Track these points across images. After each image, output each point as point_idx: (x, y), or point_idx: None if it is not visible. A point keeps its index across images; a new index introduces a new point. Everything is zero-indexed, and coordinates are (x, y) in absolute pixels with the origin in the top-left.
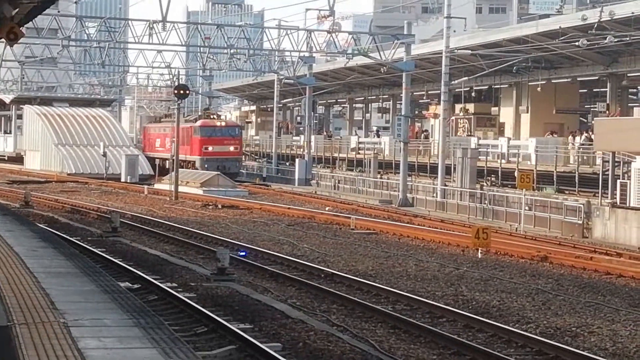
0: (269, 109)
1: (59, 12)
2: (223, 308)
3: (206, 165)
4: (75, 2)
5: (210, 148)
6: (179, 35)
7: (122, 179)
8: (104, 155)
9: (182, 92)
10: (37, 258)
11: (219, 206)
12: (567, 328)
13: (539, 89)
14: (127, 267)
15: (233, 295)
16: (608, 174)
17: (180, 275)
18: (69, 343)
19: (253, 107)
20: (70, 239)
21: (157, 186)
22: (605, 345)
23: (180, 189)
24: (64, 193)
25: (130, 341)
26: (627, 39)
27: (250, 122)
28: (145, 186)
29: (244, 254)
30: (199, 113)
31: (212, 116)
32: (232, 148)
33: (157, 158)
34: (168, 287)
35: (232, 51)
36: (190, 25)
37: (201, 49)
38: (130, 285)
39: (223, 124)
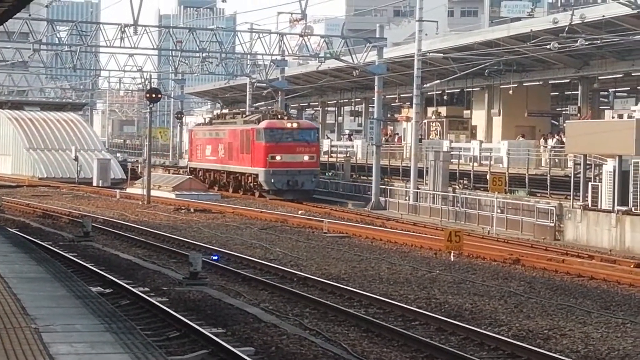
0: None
1: (30, 15)
2: (195, 312)
3: (272, 180)
4: (47, 6)
5: (278, 157)
6: (150, 39)
7: (94, 183)
8: (76, 159)
9: (154, 95)
10: (8, 263)
11: (192, 210)
12: (539, 331)
13: (510, 92)
14: (99, 271)
15: (205, 300)
16: (579, 177)
17: (152, 280)
18: (40, 349)
19: (226, 111)
20: (42, 243)
21: (129, 190)
22: (577, 347)
23: (153, 193)
24: (36, 197)
25: (102, 346)
26: (598, 42)
27: None
28: (118, 190)
29: (216, 258)
30: (262, 110)
31: (280, 115)
32: (306, 157)
33: (207, 170)
34: (140, 291)
35: (204, 55)
36: (162, 29)
37: (173, 52)
38: (102, 290)
39: (295, 125)
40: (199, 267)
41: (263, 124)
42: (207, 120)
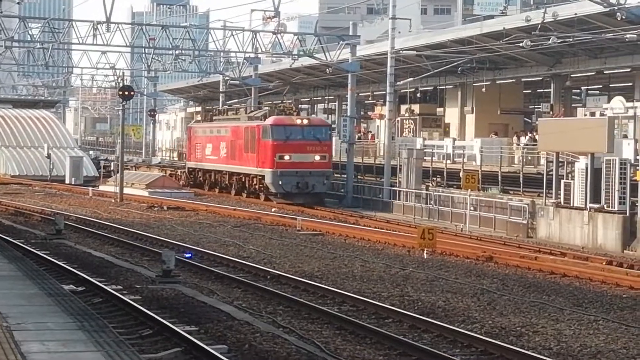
0: (214, 110)
1: (1, 12)
2: (168, 310)
3: (280, 182)
4: (18, 3)
5: (286, 157)
6: (123, 36)
7: (67, 181)
8: (48, 157)
9: (126, 93)
10: None
11: (165, 208)
12: (512, 328)
13: (483, 89)
14: (72, 269)
15: (178, 297)
16: (552, 174)
17: (125, 278)
18: (12, 347)
19: (199, 108)
20: (14, 241)
21: (101, 188)
22: (549, 344)
23: (126, 190)
24: (7, 195)
25: (74, 344)
26: (570, 39)
27: None
28: (90, 188)
29: (189, 255)
30: (267, 106)
31: (288, 110)
32: (317, 157)
33: (208, 171)
34: (113, 289)
35: (177, 52)
36: (135, 26)
37: (146, 49)
38: (75, 288)
39: (305, 121)
40: (172, 265)
41: (270, 120)
42: (206, 117)
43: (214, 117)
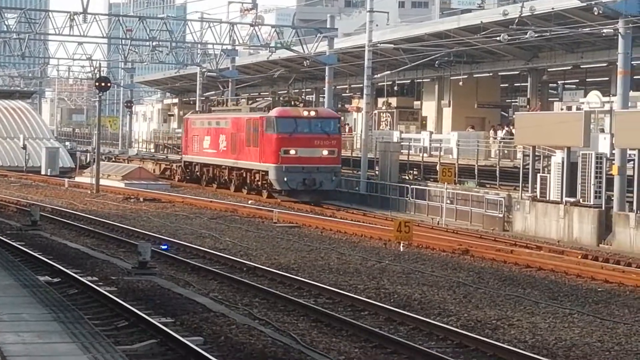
0: (191, 102)
1: None
2: (144, 302)
3: (285, 179)
4: None
5: (292, 152)
6: (100, 27)
7: (43, 172)
8: (24, 147)
9: (103, 84)
10: None
11: (141, 199)
12: (487, 321)
13: (460, 83)
14: (47, 260)
15: (154, 289)
16: (528, 168)
17: (101, 269)
18: None
19: (175, 100)
20: None
21: (77, 179)
22: (525, 337)
23: (102, 182)
24: None
25: (49, 336)
26: (547, 34)
27: (172, 115)
28: (66, 179)
29: (165, 247)
30: (272, 96)
31: (294, 101)
32: (325, 152)
33: (205, 165)
34: (88, 281)
35: (154, 44)
36: (112, 17)
37: (123, 41)
38: (50, 279)
39: (313, 113)
40: (148, 257)
41: (274, 111)
42: (204, 108)
43: (213, 108)
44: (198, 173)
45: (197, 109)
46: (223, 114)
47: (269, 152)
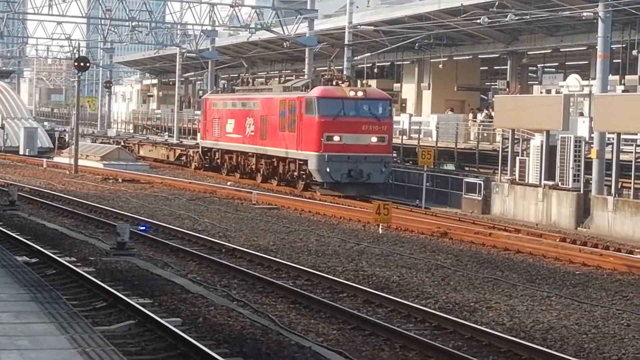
0: (170, 83)
1: None
2: (122, 283)
3: (328, 170)
4: None
5: (336, 138)
6: (79, 7)
7: (21, 152)
8: (2, 127)
9: (82, 64)
10: None
11: (120, 180)
12: (465, 303)
13: (440, 65)
14: (25, 241)
15: (133, 270)
16: (507, 151)
17: (79, 250)
18: None
19: (155, 81)
20: None
21: (56, 159)
22: (502, 320)
23: (80, 162)
24: None
25: (27, 316)
26: (527, 17)
27: (152, 96)
28: (44, 159)
29: (144, 228)
30: (311, 74)
31: (337, 80)
32: (374, 139)
33: (228, 152)
34: (67, 261)
35: (133, 24)
36: None
37: (102, 21)
38: (28, 259)
39: (360, 94)
40: (127, 238)
41: (315, 91)
42: (225, 88)
43: (237, 88)
44: (219, 160)
45: (216, 88)
46: (250, 94)
47: (309, 138)
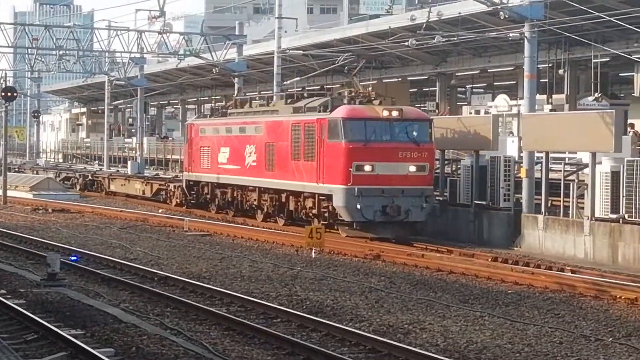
0: (100, 111)
1: None
2: (54, 314)
3: (359, 206)
4: None
5: (367, 168)
6: (5, 37)
7: None
8: None
9: (9, 94)
10: None
11: (50, 210)
12: (399, 325)
13: (370, 88)
14: None
15: (64, 301)
16: (438, 172)
17: (9, 282)
18: None
19: (84, 109)
20: None
21: None
22: (436, 341)
23: (10, 193)
24: None
25: None
26: (455, 39)
27: (81, 125)
28: None
29: (75, 258)
30: (329, 89)
31: (366, 97)
32: (413, 168)
33: (221, 186)
34: None
35: (60, 52)
36: (17, 26)
37: (29, 50)
38: None
39: (395, 113)
40: (57, 268)
41: (341, 111)
42: (214, 111)
43: (230, 111)
44: (208, 196)
45: (204, 113)
46: (250, 117)
47: (334, 168)
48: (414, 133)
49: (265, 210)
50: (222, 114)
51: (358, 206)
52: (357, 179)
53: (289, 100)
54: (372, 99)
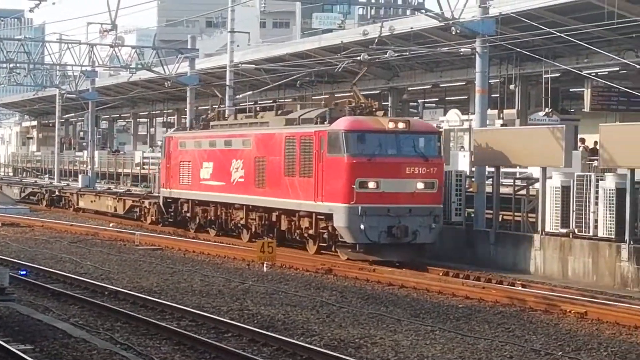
0: (50, 125)
1: None
2: (2, 329)
3: (363, 226)
4: None
5: (372, 185)
6: None
7: None
8: None
9: None
10: None
11: None
12: (350, 339)
13: (322, 102)
14: None
15: (13, 316)
16: None
17: None
18: None
19: (34, 123)
20: None
21: None
22: (387, 355)
23: None
24: None
25: None
26: (407, 53)
27: (31, 138)
28: None
29: (24, 272)
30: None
31: (369, 108)
32: (421, 185)
33: (203, 204)
34: None
35: (11, 65)
36: None
37: None
38: None
39: (402, 125)
40: (6, 283)
41: (342, 123)
42: (192, 124)
43: (213, 123)
44: (188, 214)
45: (183, 125)
46: (236, 130)
47: (334, 185)
48: (422, 147)
49: (253, 229)
50: (204, 126)
51: (362, 227)
52: (361, 196)
53: (279, 112)
54: (375, 109)
